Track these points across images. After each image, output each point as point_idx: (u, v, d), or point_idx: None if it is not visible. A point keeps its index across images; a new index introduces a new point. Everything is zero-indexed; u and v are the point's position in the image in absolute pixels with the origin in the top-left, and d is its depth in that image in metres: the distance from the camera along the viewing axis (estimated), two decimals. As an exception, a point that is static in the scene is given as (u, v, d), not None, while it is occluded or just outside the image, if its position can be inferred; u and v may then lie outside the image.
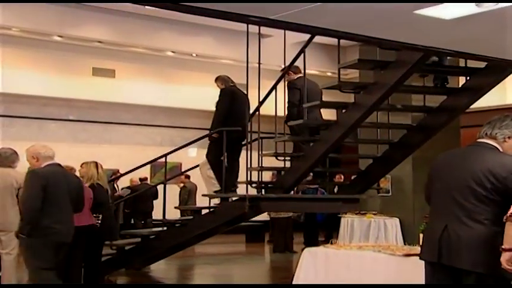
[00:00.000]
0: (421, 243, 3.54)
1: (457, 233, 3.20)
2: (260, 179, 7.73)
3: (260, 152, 7.28)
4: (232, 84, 8.18)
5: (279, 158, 7.47)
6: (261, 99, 7.31)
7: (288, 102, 7.43)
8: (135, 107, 15.01)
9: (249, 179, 7.43)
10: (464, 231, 3.17)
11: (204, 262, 10.69)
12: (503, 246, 2.98)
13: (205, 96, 15.72)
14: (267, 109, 7.47)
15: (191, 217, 8.32)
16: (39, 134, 14.32)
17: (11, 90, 13.18)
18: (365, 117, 6.29)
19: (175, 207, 9.38)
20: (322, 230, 12.41)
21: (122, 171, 12.32)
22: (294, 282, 5.03)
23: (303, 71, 7.02)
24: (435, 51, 4.73)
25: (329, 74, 14.64)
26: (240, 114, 7.79)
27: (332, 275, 4.89)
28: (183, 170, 12.00)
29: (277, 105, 7.30)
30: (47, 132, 14.47)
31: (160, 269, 9.10)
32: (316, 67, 13.88)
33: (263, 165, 7.32)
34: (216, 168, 7.80)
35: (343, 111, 6.52)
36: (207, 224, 7.93)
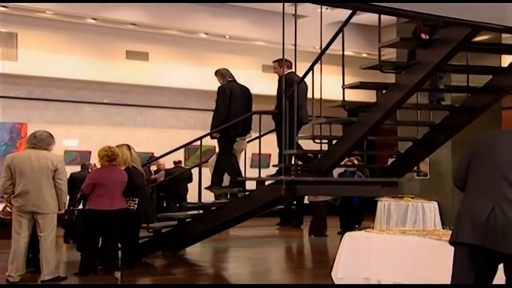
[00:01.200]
0: (456, 224, 3.29)
1: (507, 215, 3.04)
2: (296, 162, 7.63)
3: (296, 135, 7.16)
4: (230, 79, 8.13)
5: (315, 141, 7.33)
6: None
7: (278, 96, 7.45)
8: (169, 90, 14.98)
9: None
10: None
11: (239, 245, 10.64)
12: None
13: (238, 79, 15.64)
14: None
15: (227, 200, 8.23)
16: (74, 118, 14.44)
17: (46, 73, 13.27)
18: (406, 98, 6.09)
19: (213, 190, 9.31)
20: (356, 214, 12.26)
21: (156, 155, 12.34)
22: (334, 267, 4.90)
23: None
24: (484, 26, 4.50)
25: (364, 55, 14.36)
26: (239, 110, 7.80)
27: (374, 260, 4.75)
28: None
29: (314, 87, 7.14)
30: (81, 115, 14.56)
31: (196, 252, 9.09)
32: (351, 48, 13.60)
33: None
34: (226, 164, 7.85)
35: (383, 92, 6.33)
36: (242, 208, 7.87)
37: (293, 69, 7.67)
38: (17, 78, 13.32)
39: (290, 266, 8.55)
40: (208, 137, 8.39)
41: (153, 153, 13.28)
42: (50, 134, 6.64)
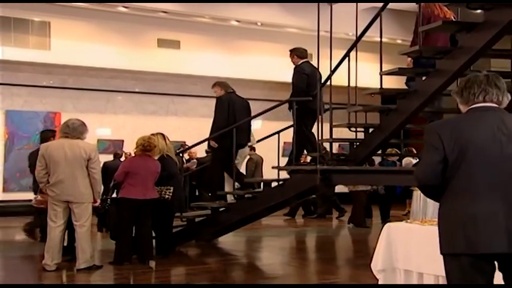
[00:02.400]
0: (447, 232, 2.86)
1: None
2: (331, 151, 7.50)
3: (331, 123, 7.03)
4: (231, 91, 8.15)
5: (351, 129, 7.18)
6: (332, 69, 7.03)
7: (295, 86, 7.56)
8: (200, 79, 14.90)
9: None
10: None
11: (272, 234, 10.55)
12: None
13: (270, 67, 15.54)
14: (337, 79, 7.18)
15: (260, 189, 8.14)
16: (107, 107, 14.50)
17: (79, 62, 13.33)
18: (448, 85, 5.89)
19: (247, 180, 9.24)
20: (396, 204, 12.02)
21: (187, 143, 12.32)
22: (374, 258, 4.75)
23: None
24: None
25: (399, 41, 14.05)
26: (238, 122, 7.85)
27: (414, 252, 4.59)
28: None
29: (350, 74, 6.97)
30: (114, 104, 14.61)
31: (229, 241, 9.03)
32: (385, 34, 13.30)
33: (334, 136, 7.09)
34: (226, 171, 7.99)
35: (423, 78, 6.13)
36: (277, 197, 7.78)
37: (308, 59, 7.83)
38: (50, 67, 13.41)
39: (326, 256, 8.42)
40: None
41: (184, 142, 13.27)
42: (83, 122, 6.61)
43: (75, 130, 6.47)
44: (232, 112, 7.92)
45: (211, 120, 15.02)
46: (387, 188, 11.43)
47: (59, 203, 6.39)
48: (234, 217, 8.11)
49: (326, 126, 7.17)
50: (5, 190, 13.05)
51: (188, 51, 14.46)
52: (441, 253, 2.90)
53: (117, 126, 14.28)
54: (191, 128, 14.42)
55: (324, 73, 7.39)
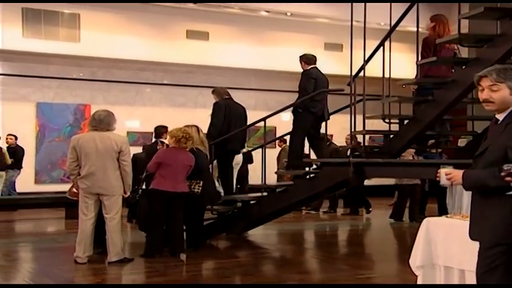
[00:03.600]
0: None
1: None
2: (364, 143, 7.35)
3: (364, 115, 6.88)
4: (227, 97, 8.24)
5: (386, 120, 7.00)
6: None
7: (302, 89, 7.84)
8: (229, 70, 14.81)
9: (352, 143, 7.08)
10: None
11: (303, 228, 10.44)
12: None
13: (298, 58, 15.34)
14: (369, 70, 7.01)
15: (291, 182, 8.01)
16: (136, 99, 14.50)
17: (108, 55, 13.34)
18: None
19: (276, 172, 9.14)
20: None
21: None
22: (412, 254, 4.60)
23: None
24: None
25: (432, 31, 13.73)
26: (233, 127, 7.99)
27: (455, 248, 4.42)
28: (277, 134, 12.20)
29: (384, 65, 6.79)
30: (143, 96, 14.61)
31: (260, 234, 8.95)
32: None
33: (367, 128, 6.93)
34: (221, 177, 8.22)
35: (463, 67, 5.92)
36: (308, 190, 7.65)
37: (316, 65, 8.14)
38: (80, 59, 13.46)
39: (361, 251, 8.27)
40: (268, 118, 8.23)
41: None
42: (110, 112, 6.55)
43: (102, 122, 6.42)
44: (228, 117, 8.10)
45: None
46: (431, 182, 10.60)
47: (90, 196, 6.36)
48: (265, 210, 8.02)
49: (359, 118, 7.01)
50: (36, 182, 13.16)
51: (217, 43, 14.36)
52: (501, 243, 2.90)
53: (146, 118, 14.27)
54: (220, 120, 14.34)
55: (357, 64, 7.24)
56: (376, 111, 7.16)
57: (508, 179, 2.85)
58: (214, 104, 8.23)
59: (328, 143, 10.71)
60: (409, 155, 9.36)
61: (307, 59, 8.15)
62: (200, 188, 7.20)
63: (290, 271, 6.44)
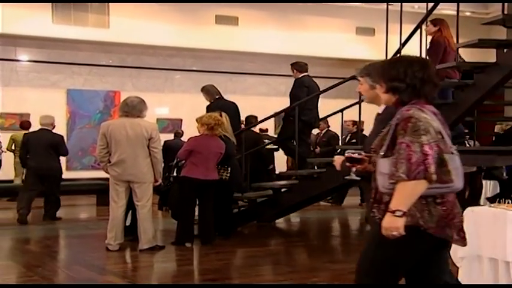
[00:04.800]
0: None
1: None
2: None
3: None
4: (218, 97, 8.08)
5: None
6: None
7: (294, 97, 7.87)
8: (259, 56, 14.63)
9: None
10: None
11: (335, 215, 10.27)
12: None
13: (332, 43, 15.09)
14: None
15: (324, 169, 7.84)
16: (165, 85, 14.44)
17: (138, 41, 13.27)
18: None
19: (309, 161, 8.98)
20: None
21: (245, 124, 12.08)
22: (453, 245, 4.42)
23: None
24: None
25: (467, 13, 13.35)
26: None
27: (498, 239, 4.23)
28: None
29: (421, 48, 6.56)
30: (173, 83, 14.54)
31: (292, 222, 8.83)
32: (453, 6, 12.67)
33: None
34: None
35: (505, 50, 5.66)
36: (341, 177, 7.45)
37: (308, 73, 8.12)
38: (109, 46, 13.42)
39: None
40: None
41: (243, 121, 13.03)
42: (142, 99, 6.47)
43: (135, 108, 6.34)
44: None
45: (270, 99, 14.86)
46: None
47: (121, 183, 6.31)
48: (296, 198, 7.88)
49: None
50: (68, 169, 13.21)
51: (246, 28, 14.17)
52: None
53: (175, 105, 14.21)
54: (250, 107, 14.15)
55: (392, 49, 7.02)
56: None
57: (347, 164, 2.97)
58: (207, 107, 8.06)
59: (326, 130, 10.65)
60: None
61: (299, 67, 8.18)
62: (228, 175, 7.10)
63: (322, 260, 6.30)
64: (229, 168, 7.14)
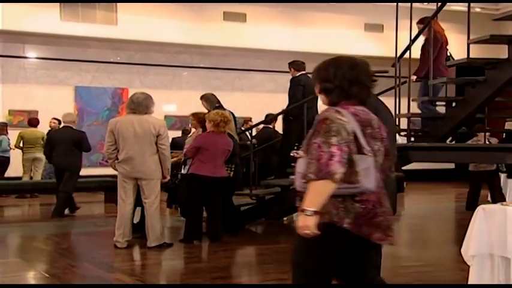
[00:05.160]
0: None
1: None
2: (409, 127, 7.07)
3: (409, 97, 6.62)
4: (217, 105, 7.87)
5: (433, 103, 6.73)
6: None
7: (292, 96, 7.89)
8: (267, 53, 14.59)
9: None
10: None
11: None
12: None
13: (340, 40, 15.01)
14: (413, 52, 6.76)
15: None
16: (173, 82, 14.42)
17: (145, 38, 13.26)
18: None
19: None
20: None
21: (253, 120, 12.05)
22: (464, 243, 4.36)
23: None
24: None
25: (477, 9, 13.24)
26: None
27: (511, 237, 4.18)
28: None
29: (432, 45, 6.51)
30: (180, 80, 14.52)
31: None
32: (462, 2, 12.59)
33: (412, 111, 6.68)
34: None
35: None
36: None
37: (305, 71, 7.99)
38: (117, 43, 13.41)
39: (415, 240, 8.01)
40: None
41: (250, 119, 13.00)
42: (148, 95, 6.44)
43: (141, 104, 6.31)
44: None
45: (278, 96, 14.79)
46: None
47: (129, 180, 6.28)
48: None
49: (403, 101, 6.76)
50: (75, 166, 13.23)
51: (254, 25, 14.13)
52: None
53: (183, 102, 14.18)
54: (257, 104, 14.15)
55: (402, 45, 6.98)
56: (415, 95, 6.90)
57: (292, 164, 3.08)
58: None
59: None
60: (481, 137, 8.82)
61: (297, 66, 8.16)
62: (232, 172, 7.08)
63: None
64: (233, 166, 7.11)
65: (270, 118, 9.79)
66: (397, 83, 6.78)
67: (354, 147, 2.66)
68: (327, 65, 2.83)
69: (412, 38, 6.64)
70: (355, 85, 2.78)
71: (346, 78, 2.77)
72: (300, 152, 2.94)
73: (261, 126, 10.10)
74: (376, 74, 7.26)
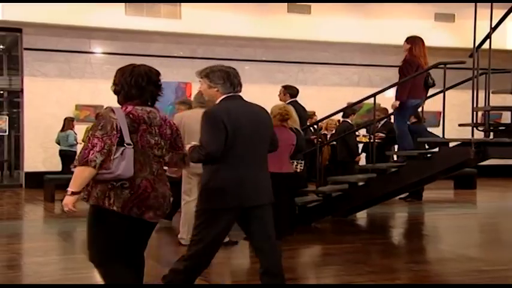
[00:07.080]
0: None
1: None
2: (488, 121, 6.65)
3: (488, 90, 6.21)
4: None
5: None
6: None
7: None
8: (331, 45, 14.26)
9: (474, 120, 6.46)
10: None
11: (414, 211, 9.81)
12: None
13: (407, 30, 14.44)
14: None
15: (403, 163, 7.43)
16: (236, 76, 14.29)
17: (209, 31, 13.19)
18: None
19: (387, 153, 8.60)
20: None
21: (317, 114, 11.77)
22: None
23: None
24: None
25: None
26: None
27: None
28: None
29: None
30: (243, 73, 14.29)
31: (368, 218, 8.48)
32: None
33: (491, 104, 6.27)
34: None
35: None
36: (422, 172, 7.09)
37: (296, 98, 7.81)
38: (180, 37, 13.40)
39: (487, 241, 7.58)
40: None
41: (314, 113, 12.71)
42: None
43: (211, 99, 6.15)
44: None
45: (342, 89, 14.45)
46: None
47: (193, 177, 6.16)
48: (373, 192, 7.53)
49: (481, 94, 6.35)
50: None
51: (319, 16, 13.81)
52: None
53: (246, 96, 13.83)
54: (321, 97, 13.85)
55: (469, 36, 6.58)
56: (496, 87, 6.46)
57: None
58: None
59: (385, 120, 10.17)
60: None
61: (292, 91, 7.94)
62: (302, 168, 6.85)
63: (405, 260, 5.94)
64: (303, 161, 6.88)
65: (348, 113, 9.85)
66: (475, 74, 6.38)
67: (115, 140, 3.15)
68: (117, 72, 3.46)
69: (493, 26, 6.20)
70: (133, 88, 3.36)
71: (127, 82, 3.38)
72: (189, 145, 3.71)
73: (341, 119, 10.10)
74: (452, 67, 6.91)
